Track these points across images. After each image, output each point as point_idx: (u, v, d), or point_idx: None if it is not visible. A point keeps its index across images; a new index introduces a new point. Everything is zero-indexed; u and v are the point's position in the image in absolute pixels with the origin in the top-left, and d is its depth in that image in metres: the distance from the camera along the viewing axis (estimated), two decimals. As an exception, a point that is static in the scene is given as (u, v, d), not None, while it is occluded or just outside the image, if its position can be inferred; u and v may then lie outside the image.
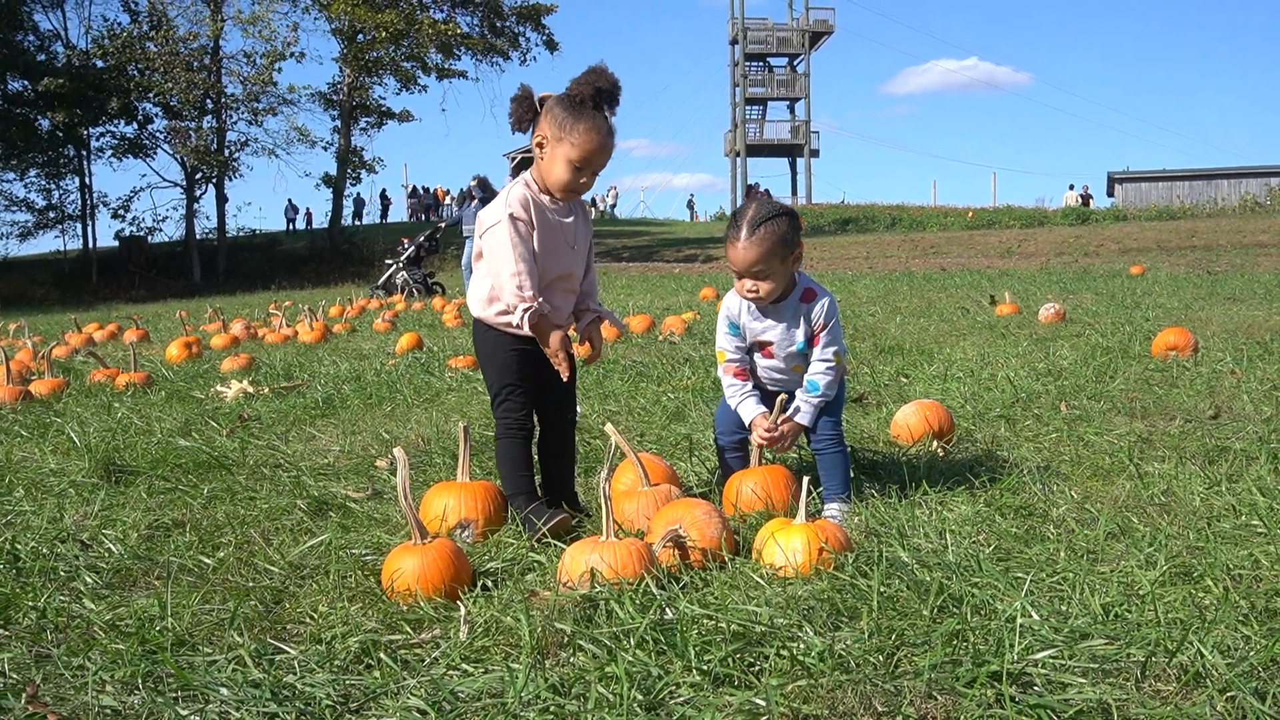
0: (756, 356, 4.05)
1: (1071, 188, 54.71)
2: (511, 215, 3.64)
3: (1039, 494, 4.01)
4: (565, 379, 3.66)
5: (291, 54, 41.31)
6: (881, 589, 2.86)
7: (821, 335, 3.92)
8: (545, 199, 3.73)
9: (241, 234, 48.35)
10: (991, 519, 3.67)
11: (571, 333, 3.91)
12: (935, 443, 4.92)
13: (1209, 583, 2.93)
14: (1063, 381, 6.70)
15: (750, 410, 3.96)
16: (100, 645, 2.76)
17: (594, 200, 69.79)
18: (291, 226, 55.09)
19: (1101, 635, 2.54)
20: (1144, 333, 9.23)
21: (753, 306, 3.97)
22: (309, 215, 57.20)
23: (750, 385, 4.03)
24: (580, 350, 3.89)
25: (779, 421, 3.89)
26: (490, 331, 3.79)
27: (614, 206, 68.67)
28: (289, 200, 55.93)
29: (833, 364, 3.92)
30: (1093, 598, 2.80)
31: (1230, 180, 48.71)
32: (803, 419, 3.92)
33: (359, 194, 60.13)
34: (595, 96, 3.60)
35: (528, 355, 3.79)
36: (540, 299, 3.62)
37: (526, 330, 3.62)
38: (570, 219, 3.79)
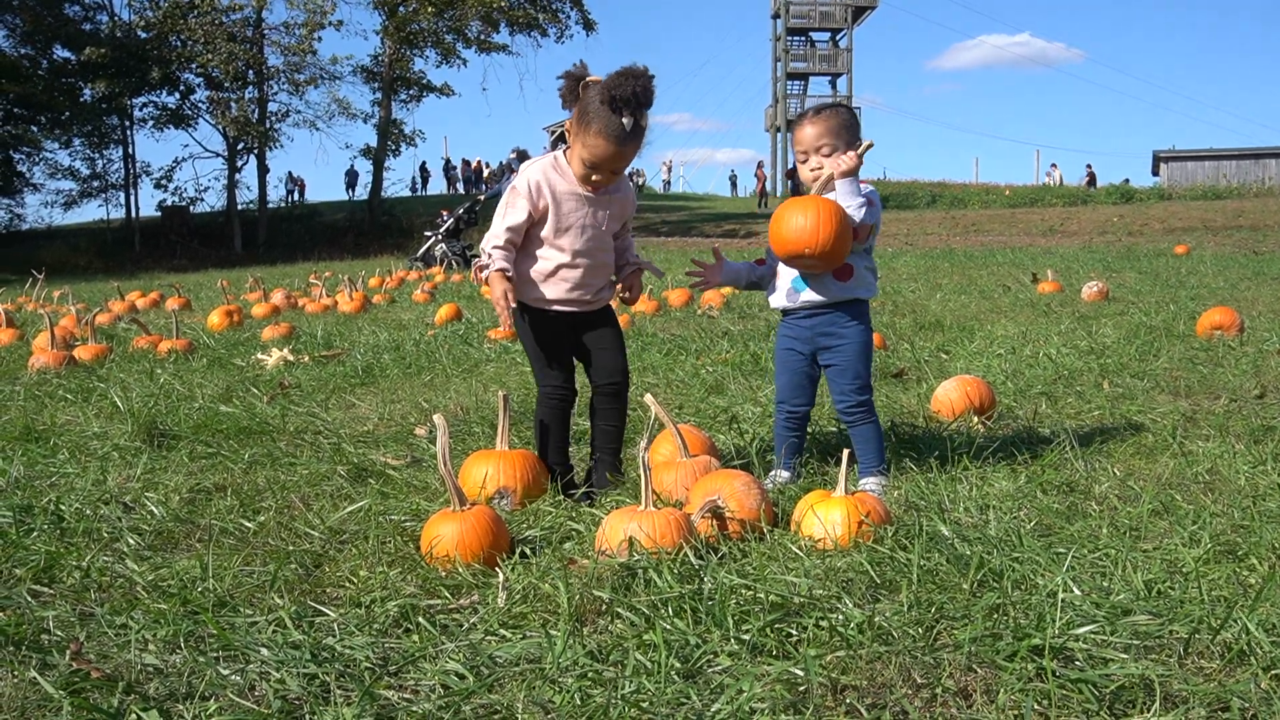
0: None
1: (1054, 165, 53.81)
2: (513, 187, 3.79)
3: (1081, 470, 3.98)
4: (504, 328, 3.75)
5: (330, 23, 41.36)
6: (921, 562, 2.85)
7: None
8: (568, 180, 3.78)
9: (283, 204, 48.58)
10: (1033, 494, 3.64)
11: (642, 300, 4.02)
12: (976, 418, 4.89)
13: (1254, 561, 2.90)
14: (1105, 359, 6.64)
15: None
16: (143, 605, 2.78)
17: (632, 172, 69.56)
18: (291, 199, 54.92)
19: (1144, 611, 2.52)
20: (1188, 312, 9.13)
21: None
22: (302, 186, 57.12)
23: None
24: (622, 297, 4.03)
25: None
26: (525, 305, 3.89)
27: (668, 184, 68.54)
28: (289, 173, 55.71)
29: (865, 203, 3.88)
30: (1135, 574, 2.77)
31: (1279, 159, 47.96)
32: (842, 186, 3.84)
33: (415, 175, 60.20)
34: (614, 101, 3.56)
35: (555, 330, 3.90)
36: (502, 258, 3.73)
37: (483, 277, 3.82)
38: (603, 201, 3.82)
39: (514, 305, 3.73)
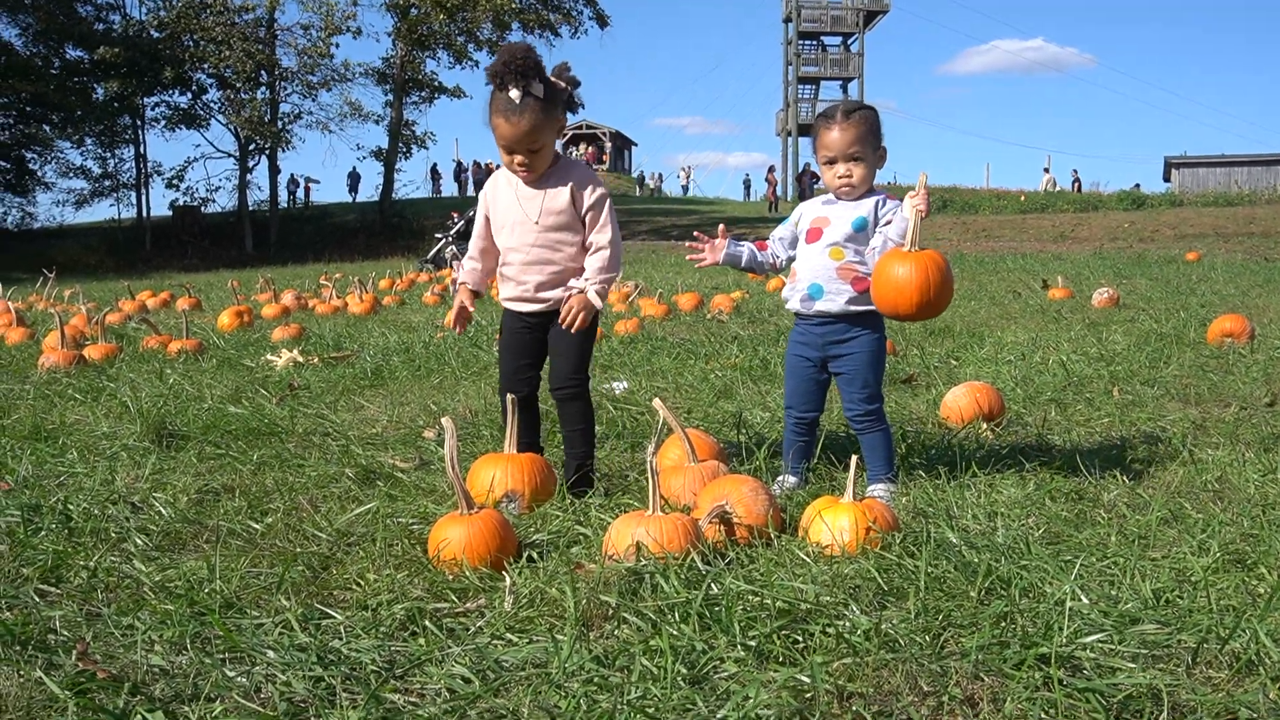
0: (800, 245, 4.01)
1: (1047, 170, 54.04)
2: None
3: (1090, 478, 3.96)
4: (453, 330, 4.07)
5: (349, 29, 41.39)
6: (929, 569, 2.84)
7: (895, 218, 3.83)
8: (511, 181, 3.93)
9: (290, 206, 48.54)
10: (1041, 502, 3.63)
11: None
12: (985, 425, 4.88)
13: (1263, 570, 2.89)
14: (1115, 366, 6.62)
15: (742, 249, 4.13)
16: (150, 606, 2.79)
17: (643, 175, 69.82)
18: (294, 201, 54.27)
19: (1152, 620, 2.51)
20: (1199, 319, 9.11)
21: (827, 197, 4.00)
22: (307, 188, 56.65)
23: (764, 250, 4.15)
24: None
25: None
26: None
27: (685, 188, 68.88)
28: (290, 174, 54.64)
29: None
30: (1143, 583, 2.77)
31: (1291, 166, 47.75)
32: (897, 220, 3.79)
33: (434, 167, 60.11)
34: (491, 77, 3.70)
35: (511, 328, 4.05)
36: (463, 269, 4.11)
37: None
38: (538, 195, 3.87)
39: (470, 310, 4.09)
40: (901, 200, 3.85)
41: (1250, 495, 3.70)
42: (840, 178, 3.87)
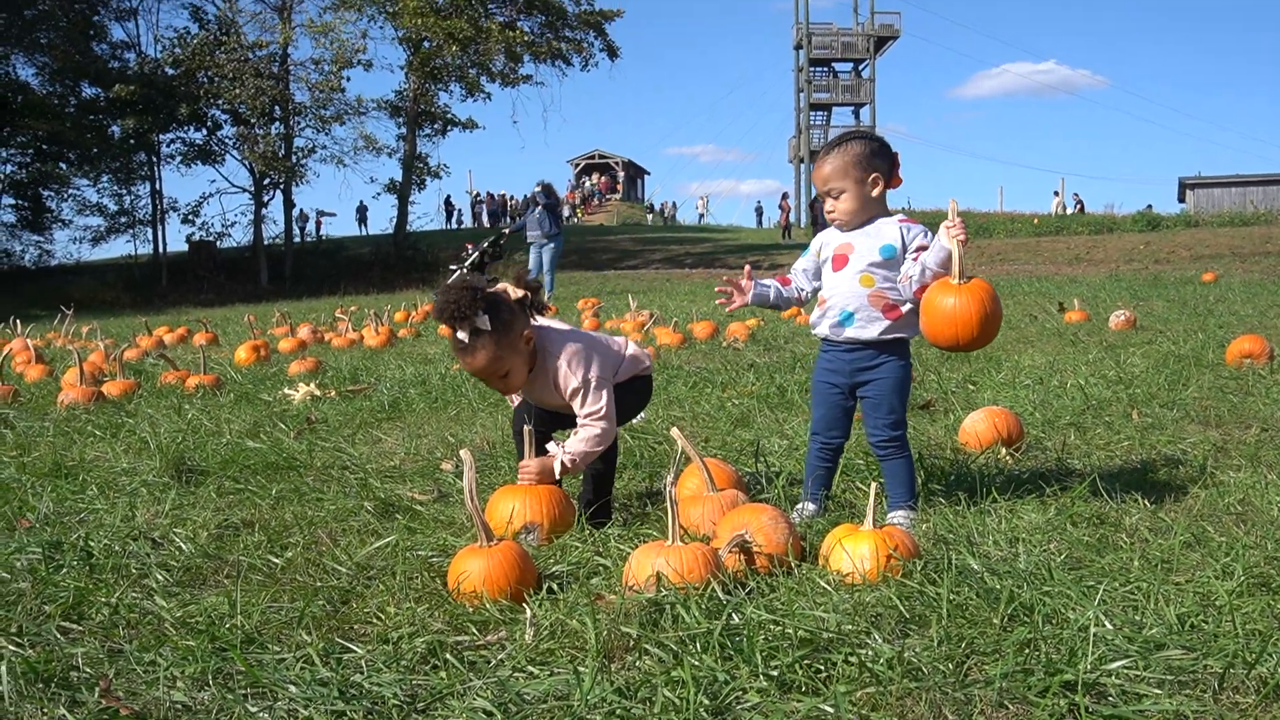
0: (826, 274, 4.01)
1: (1056, 194, 54.40)
2: None
3: (1111, 502, 3.94)
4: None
5: (359, 62, 41.63)
6: (951, 596, 2.83)
7: (932, 246, 3.79)
8: None
9: (309, 239, 48.65)
10: (1062, 527, 3.62)
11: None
12: (1004, 450, 4.86)
13: (1289, 594, 2.87)
14: (1134, 389, 6.59)
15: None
16: (171, 642, 2.79)
17: (653, 204, 70.14)
18: (303, 236, 54.07)
19: (1177, 646, 2.49)
20: (1217, 340, 9.07)
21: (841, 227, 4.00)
22: (318, 222, 56.70)
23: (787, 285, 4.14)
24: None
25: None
26: None
27: (702, 216, 69.34)
28: (300, 209, 54.54)
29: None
30: (1168, 608, 2.75)
31: (1308, 185, 47.57)
32: (934, 249, 3.76)
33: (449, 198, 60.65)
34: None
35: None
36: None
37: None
38: (534, 395, 4.05)
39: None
40: (920, 224, 3.87)
41: (1274, 518, 3.68)
42: (828, 212, 3.94)
